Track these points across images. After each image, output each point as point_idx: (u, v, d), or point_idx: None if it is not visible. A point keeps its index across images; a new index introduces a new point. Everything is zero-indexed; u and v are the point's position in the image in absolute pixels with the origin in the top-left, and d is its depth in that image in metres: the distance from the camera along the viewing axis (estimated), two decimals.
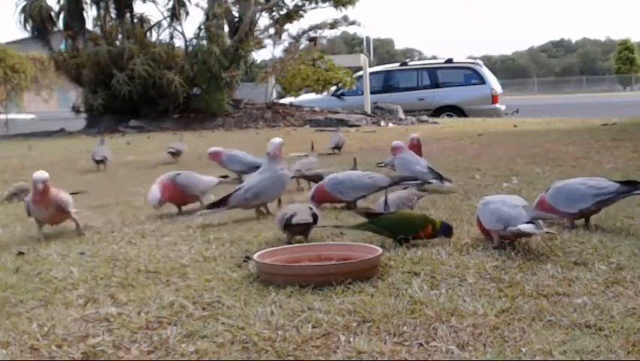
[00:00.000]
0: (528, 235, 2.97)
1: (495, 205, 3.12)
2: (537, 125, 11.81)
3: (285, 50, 16.99)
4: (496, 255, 2.95)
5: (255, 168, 5.47)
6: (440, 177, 4.84)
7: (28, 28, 16.03)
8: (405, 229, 3.20)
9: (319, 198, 4.29)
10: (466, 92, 17.83)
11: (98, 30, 16.60)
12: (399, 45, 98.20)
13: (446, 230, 3.24)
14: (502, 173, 5.60)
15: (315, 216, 3.36)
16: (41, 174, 3.67)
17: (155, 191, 4.18)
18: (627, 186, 3.40)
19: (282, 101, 17.70)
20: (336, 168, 5.49)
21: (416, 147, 5.42)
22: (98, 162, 7.77)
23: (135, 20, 16.50)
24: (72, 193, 4.13)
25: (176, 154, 8.03)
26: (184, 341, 2.13)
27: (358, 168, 4.93)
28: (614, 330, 2.09)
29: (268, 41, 17.11)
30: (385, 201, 3.70)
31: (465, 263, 2.84)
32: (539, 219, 3.00)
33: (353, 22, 17.19)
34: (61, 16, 16.15)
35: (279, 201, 4.41)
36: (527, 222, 2.94)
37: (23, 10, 15.80)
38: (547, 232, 3.03)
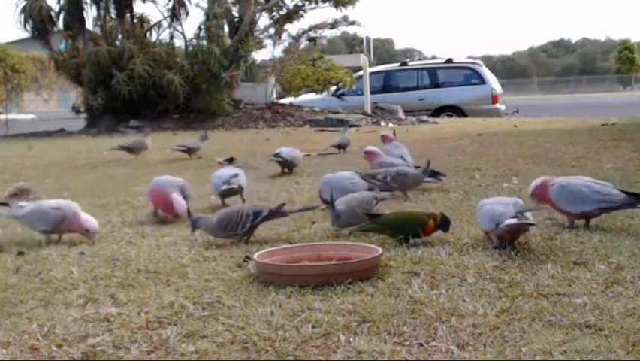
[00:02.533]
0: (513, 229, 3.00)
1: (489, 206, 3.15)
2: (537, 125, 11.80)
3: (285, 50, 16.99)
4: (496, 255, 2.95)
5: None
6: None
7: (28, 28, 16.03)
8: (407, 227, 3.21)
9: (322, 199, 4.29)
10: (466, 92, 17.82)
11: (98, 30, 16.59)
12: (399, 45, 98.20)
13: (446, 222, 3.26)
14: (502, 173, 5.60)
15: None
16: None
17: (182, 201, 4.11)
18: (633, 198, 3.39)
19: (282, 101, 17.70)
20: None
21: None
22: (188, 151, 8.06)
23: (135, 20, 16.49)
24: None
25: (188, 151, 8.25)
26: (184, 341, 2.13)
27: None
28: (614, 330, 2.09)
29: (268, 41, 17.12)
30: (331, 197, 3.60)
31: (465, 263, 2.84)
32: (524, 212, 3.05)
33: (353, 22, 17.19)
34: (61, 16, 16.14)
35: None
36: (512, 217, 2.98)
37: (23, 10, 15.80)
38: (528, 224, 3.04)
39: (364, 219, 3.44)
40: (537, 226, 3.25)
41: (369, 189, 4.13)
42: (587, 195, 3.41)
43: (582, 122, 12.30)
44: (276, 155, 6.12)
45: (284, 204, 3.63)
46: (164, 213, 4.19)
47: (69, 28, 16.10)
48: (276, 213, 3.53)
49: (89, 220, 3.64)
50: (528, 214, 3.10)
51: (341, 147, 7.94)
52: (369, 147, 5.35)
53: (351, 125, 13.42)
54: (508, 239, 3.06)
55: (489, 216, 3.08)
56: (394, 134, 6.61)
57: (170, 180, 4.41)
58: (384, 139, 6.06)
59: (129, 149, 8.34)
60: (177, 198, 4.10)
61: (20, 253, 3.39)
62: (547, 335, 2.08)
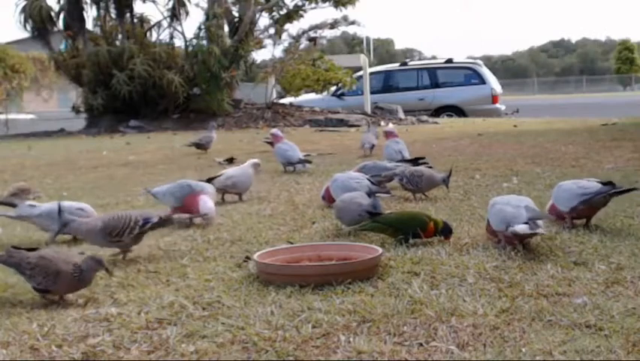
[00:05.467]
0: (522, 236, 2.97)
1: (500, 206, 3.14)
2: (537, 125, 11.81)
3: (285, 50, 16.98)
4: (496, 255, 2.95)
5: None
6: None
7: (28, 28, 16.04)
8: (407, 227, 3.21)
9: (329, 199, 4.27)
10: (466, 92, 17.83)
11: (98, 30, 16.61)
12: (399, 45, 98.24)
13: (447, 230, 3.24)
14: (502, 173, 5.60)
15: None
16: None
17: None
18: (607, 187, 3.44)
19: (282, 101, 17.70)
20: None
21: None
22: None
23: (135, 20, 16.50)
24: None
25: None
26: (184, 341, 2.13)
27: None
28: (614, 330, 2.09)
29: (268, 41, 17.11)
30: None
31: (465, 263, 2.84)
32: (536, 220, 2.99)
33: (353, 22, 17.18)
34: (61, 16, 16.16)
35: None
36: (524, 223, 2.95)
37: (23, 10, 15.81)
38: (539, 233, 2.97)
39: (363, 219, 3.44)
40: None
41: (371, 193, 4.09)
42: (574, 192, 3.46)
43: (582, 122, 12.31)
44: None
45: (172, 214, 3.55)
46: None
47: (69, 28, 16.12)
48: (166, 221, 3.39)
49: None
50: (540, 221, 3.03)
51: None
52: (389, 127, 5.44)
53: (351, 125, 13.44)
54: (516, 242, 3.04)
55: (500, 216, 3.07)
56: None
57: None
58: (387, 134, 6.42)
59: (200, 145, 8.63)
60: (207, 200, 3.97)
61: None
62: (547, 335, 2.08)
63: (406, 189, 4.64)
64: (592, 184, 3.50)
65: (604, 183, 3.49)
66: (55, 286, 2.57)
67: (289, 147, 6.41)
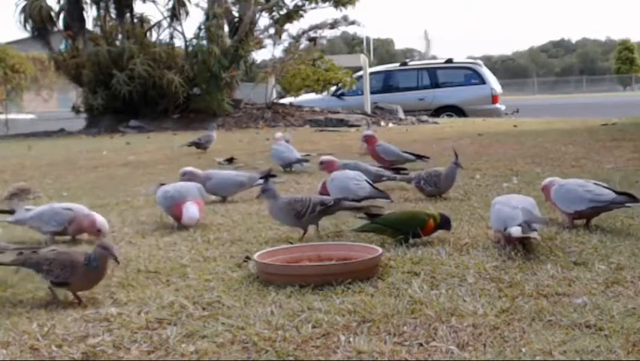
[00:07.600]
0: (515, 238, 2.95)
1: (500, 206, 3.14)
2: (537, 125, 11.81)
3: (285, 50, 16.98)
4: (496, 255, 2.95)
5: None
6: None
7: (28, 28, 16.04)
8: (407, 226, 3.21)
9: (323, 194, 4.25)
10: (466, 92, 17.83)
11: (98, 30, 16.61)
12: (399, 45, 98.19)
13: (446, 222, 3.25)
14: (502, 173, 5.60)
15: None
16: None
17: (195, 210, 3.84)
18: (623, 197, 3.38)
19: (282, 101, 17.70)
20: None
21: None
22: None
23: (135, 20, 16.50)
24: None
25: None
26: (184, 341, 2.13)
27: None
28: (614, 330, 2.09)
29: (268, 41, 17.11)
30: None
31: (465, 263, 2.84)
32: (530, 223, 2.96)
33: (353, 22, 17.18)
34: (61, 16, 16.16)
35: None
36: (518, 226, 2.93)
37: (23, 10, 15.81)
38: (532, 238, 2.94)
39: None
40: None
41: (372, 196, 4.05)
42: (580, 195, 3.41)
43: (582, 122, 12.31)
44: None
45: None
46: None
47: (69, 28, 16.11)
48: None
49: (101, 221, 3.65)
50: (536, 225, 3.00)
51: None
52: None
53: (351, 125, 13.44)
54: (514, 242, 3.03)
55: (498, 216, 3.07)
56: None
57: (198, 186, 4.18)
58: (367, 139, 6.21)
59: (199, 144, 8.61)
60: (188, 205, 3.83)
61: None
62: (547, 335, 2.08)
63: (425, 194, 4.54)
64: (604, 191, 3.42)
65: (618, 193, 3.41)
66: (72, 278, 2.57)
67: (286, 148, 6.39)
